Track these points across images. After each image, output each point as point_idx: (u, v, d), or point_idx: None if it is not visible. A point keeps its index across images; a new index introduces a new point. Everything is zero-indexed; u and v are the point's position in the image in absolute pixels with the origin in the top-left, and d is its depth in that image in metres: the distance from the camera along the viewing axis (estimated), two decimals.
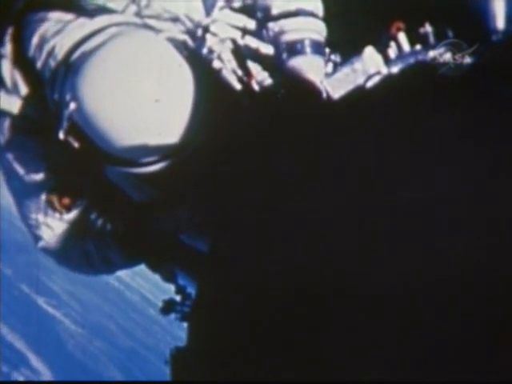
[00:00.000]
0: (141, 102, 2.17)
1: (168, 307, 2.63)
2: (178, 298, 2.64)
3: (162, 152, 2.25)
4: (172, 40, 2.31)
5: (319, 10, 2.38)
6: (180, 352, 2.29)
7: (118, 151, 2.24)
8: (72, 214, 2.58)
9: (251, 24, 2.37)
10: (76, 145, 2.26)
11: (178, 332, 2.80)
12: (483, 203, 1.87)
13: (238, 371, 2.10)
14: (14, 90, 2.44)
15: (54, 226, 2.58)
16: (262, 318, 2.09)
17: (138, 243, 2.64)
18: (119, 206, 2.62)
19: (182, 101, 2.24)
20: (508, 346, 1.71)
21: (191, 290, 2.61)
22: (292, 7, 2.34)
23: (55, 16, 2.38)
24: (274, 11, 2.36)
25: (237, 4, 2.41)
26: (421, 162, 1.98)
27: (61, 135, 2.23)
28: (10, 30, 2.46)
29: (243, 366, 2.10)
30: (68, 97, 2.22)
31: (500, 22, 2.08)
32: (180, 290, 2.65)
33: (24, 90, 2.44)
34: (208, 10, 2.40)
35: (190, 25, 2.42)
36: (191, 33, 2.38)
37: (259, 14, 2.38)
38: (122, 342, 10.09)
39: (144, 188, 2.43)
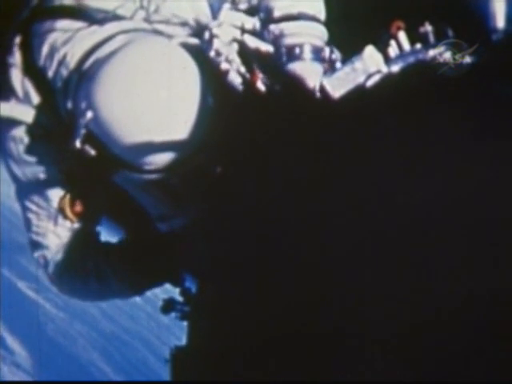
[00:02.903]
0: (156, 108, 2.15)
1: (168, 306, 2.62)
2: (180, 298, 2.63)
3: (179, 157, 2.24)
4: (185, 45, 2.29)
5: (321, 14, 2.38)
6: (180, 352, 2.29)
7: (134, 158, 2.22)
8: (82, 224, 2.55)
9: (256, 24, 2.36)
10: (92, 152, 2.24)
11: (164, 319, 2.79)
12: (483, 203, 1.88)
13: (238, 371, 2.11)
14: (26, 98, 2.42)
15: (62, 235, 2.54)
16: (262, 317, 2.09)
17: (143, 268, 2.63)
18: (130, 219, 2.61)
19: (198, 106, 2.22)
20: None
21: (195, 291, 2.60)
22: (294, 11, 2.34)
23: (63, 24, 2.35)
24: (276, 13, 2.35)
25: (243, 6, 2.39)
26: (421, 161, 1.99)
27: (77, 144, 2.21)
28: (17, 39, 2.43)
29: (243, 366, 2.11)
30: (83, 105, 2.19)
31: (500, 22, 2.08)
32: (184, 291, 2.64)
33: (36, 98, 2.41)
34: (215, 13, 2.39)
35: (198, 29, 2.40)
36: (200, 36, 2.36)
37: (262, 15, 2.37)
38: (104, 327, 10.03)
39: (154, 193, 2.42)
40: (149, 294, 2.75)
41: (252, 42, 2.30)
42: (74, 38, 2.30)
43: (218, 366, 2.15)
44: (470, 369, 1.78)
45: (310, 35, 2.31)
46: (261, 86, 2.25)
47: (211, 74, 2.26)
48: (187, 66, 2.24)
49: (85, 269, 2.59)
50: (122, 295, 2.75)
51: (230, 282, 2.21)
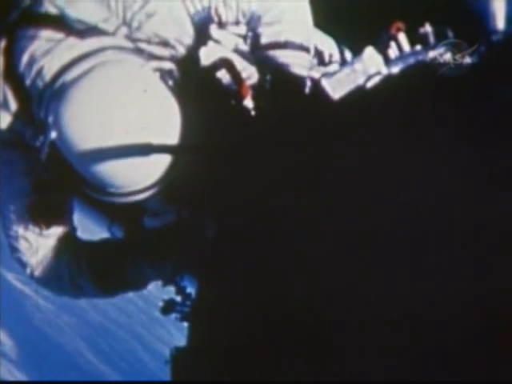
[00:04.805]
0: (122, 133, 2.13)
1: (168, 307, 2.61)
2: (178, 298, 2.63)
3: (143, 182, 2.23)
4: (158, 70, 2.26)
5: (309, 41, 2.36)
6: (180, 352, 2.29)
7: (95, 180, 2.22)
8: (51, 231, 2.54)
9: (243, 47, 2.35)
10: (57, 169, 2.24)
11: (154, 313, 2.78)
12: (483, 203, 1.88)
13: (237, 371, 2.11)
14: (4, 104, 2.40)
15: (31, 240, 2.54)
16: (261, 317, 2.10)
17: (112, 277, 2.63)
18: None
19: (164, 132, 2.20)
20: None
21: (191, 290, 2.60)
22: (281, 38, 2.33)
23: (46, 34, 2.31)
24: (263, 40, 2.35)
25: (230, 27, 2.38)
26: (420, 162, 1.99)
27: (42, 157, 2.20)
28: (2, 43, 2.40)
29: (243, 366, 2.11)
30: (50, 122, 2.18)
31: (500, 22, 2.08)
32: (180, 290, 2.64)
33: (13, 105, 2.39)
34: (199, 34, 2.36)
35: (180, 49, 2.38)
36: (182, 58, 2.34)
37: (249, 41, 2.35)
38: (92, 318, 10.02)
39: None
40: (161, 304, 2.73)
41: (239, 63, 2.29)
42: (54, 50, 2.28)
43: (218, 366, 2.16)
44: (469, 369, 1.79)
45: (296, 65, 2.31)
46: (249, 102, 2.24)
47: (190, 96, 2.25)
48: (156, 91, 2.22)
49: (58, 273, 2.61)
50: (96, 296, 2.78)
51: (229, 281, 2.22)
